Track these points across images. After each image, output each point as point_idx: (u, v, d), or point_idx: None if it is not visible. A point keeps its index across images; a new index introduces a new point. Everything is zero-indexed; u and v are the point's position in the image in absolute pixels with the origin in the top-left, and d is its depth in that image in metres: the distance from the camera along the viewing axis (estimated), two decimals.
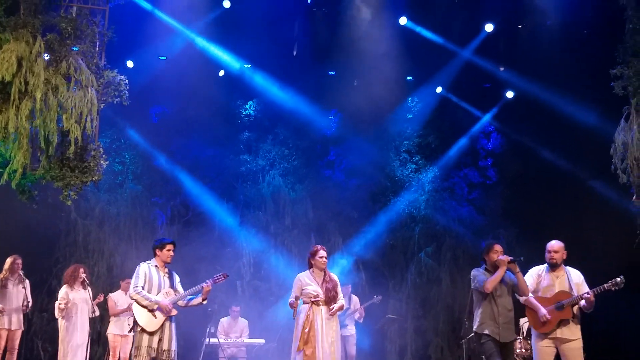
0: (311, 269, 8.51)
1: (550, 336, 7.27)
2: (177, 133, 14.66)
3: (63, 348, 10.11)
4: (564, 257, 7.45)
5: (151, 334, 7.62)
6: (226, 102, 15.19)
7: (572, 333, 7.22)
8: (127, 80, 10.13)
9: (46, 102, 9.32)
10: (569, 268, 7.43)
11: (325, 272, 8.49)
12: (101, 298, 10.71)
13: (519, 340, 10.52)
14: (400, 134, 15.72)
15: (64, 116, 9.39)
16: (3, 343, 10.20)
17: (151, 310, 7.66)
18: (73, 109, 9.42)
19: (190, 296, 7.99)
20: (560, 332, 7.22)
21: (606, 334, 11.95)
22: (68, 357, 10.02)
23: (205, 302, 8.10)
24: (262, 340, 12.21)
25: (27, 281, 10.51)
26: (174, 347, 7.77)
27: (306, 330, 8.19)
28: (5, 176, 9.38)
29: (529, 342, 10.37)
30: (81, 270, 10.44)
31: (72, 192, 9.77)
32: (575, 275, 7.41)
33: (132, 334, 7.79)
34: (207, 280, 7.97)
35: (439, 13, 13.98)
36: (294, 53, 14.52)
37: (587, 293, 7.10)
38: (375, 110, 14.86)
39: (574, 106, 13.82)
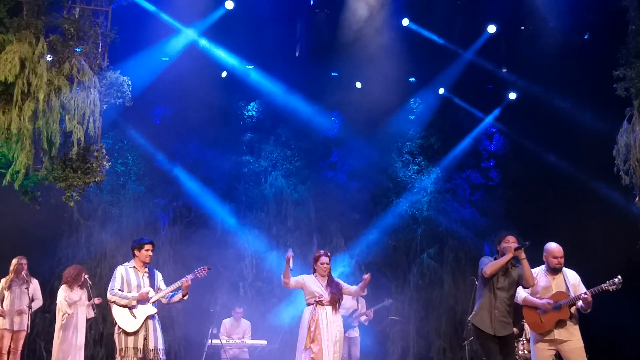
0: (315, 274, 8.61)
1: (547, 338, 7.22)
2: (180, 134, 14.66)
3: (57, 349, 10.13)
4: None
5: (133, 334, 7.60)
6: (228, 103, 15.20)
7: (570, 334, 7.17)
8: (129, 81, 10.14)
9: (49, 103, 9.33)
10: (565, 269, 7.41)
11: (329, 277, 8.57)
12: (97, 301, 10.70)
13: (521, 342, 10.51)
14: (403, 135, 15.72)
15: (66, 117, 9.41)
16: (7, 343, 10.22)
17: (130, 311, 7.65)
18: (76, 110, 9.43)
19: (172, 293, 7.95)
20: (558, 334, 7.18)
21: (607, 335, 11.96)
22: (62, 358, 10.03)
23: (185, 298, 8.04)
24: (265, 342, 12.22)
25: (35, 281, 10.52)
26: (160, 345, 7.76)
27: (312, 328, 8.30)
28: (8, 177, 9.40)
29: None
30: (84, 273, 10.46)
31: (75, 193, 9.78)
32: (572, 276, 7.39)
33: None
34: (186, 276, 7.92)
35: (441, 14, 13.99)
36: (296, 54, 14.54)
37: (585, 293, 7.08)
38: (378, 112, 14.87)
39: (576, 107, 13.84)
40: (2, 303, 10.25)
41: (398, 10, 13.97)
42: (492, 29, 14.20)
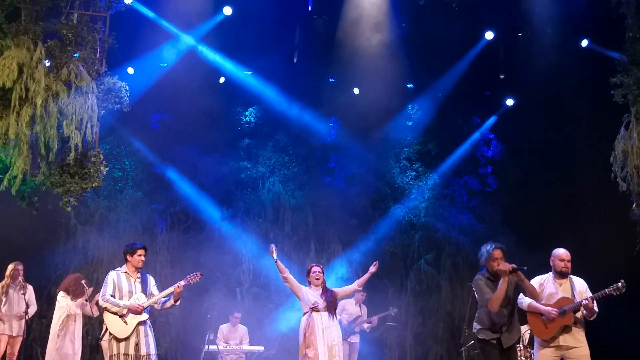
0: (310, 286, 8.68)
1: (552, 344, 7.16)
2: (177, 140, 14.65)
3: (53, 354, 10.10)
4: None
5: (124, 340, 7.57)
6: (226, 109, 15.21)
7: (576, 340, 7.12)
8: (127, 87, 10.13)
9: (47, 109, 9.32)
10: (573, 276, 7.37)
11: (323, 287, 8.68)
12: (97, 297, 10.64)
13: (519, 348, 10.49)
14: (400, 141, 15.74)
15: (64, 122, 9.39)
16: (3, 348, 10.19)
17: (122, 317, 7.62)
18: (73, 115, 9.42)
19: (165, 298, 7.90)
20: (563, 340, 7.12)
21: (607, 341, 11.92)
22: None
23: (177, 304, 8.00)
24: (262, 348, 12.20)
25: (30, 287, 10.50)
26: (152, 351, 7.71)
27: (307, 334, 8.35)
28: (5, 182, 9.38)
29: (529, 350, 10.36)
30: (84, 282, 10.42)
31: (72, 198, 9.76)
32: (579, 284, 7.35)
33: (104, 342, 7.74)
34: (179, 282, 7.88)
35: (438, 20, 14.00)
36: (294, 60, 14.56)
37: (586, 299, 7.06)
38: (375, 118, 14.90)
39: (573, 114, 13.85)
40: None
41: (396, 17, 13.98)
42: (489, 35, 14.23)
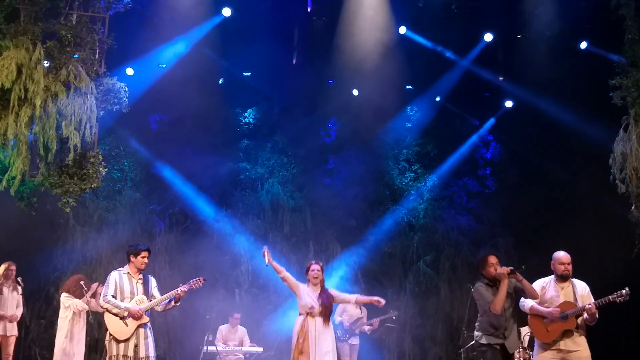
0: (308, 284, 8.61)
1: (553, 348, 7.14)
2: (176, 140, 14.64)
3: (58, 357, 10.10)
4: None
5: (124, 341, 7.57)
6: (225, 110, 15.19)
7: (577, 344, 7.11)
8: (126, 88, 10.13)
9: (45, 109, 9.33)
10: (574, 280, 7.35)
11: (321, 286, 8.55)
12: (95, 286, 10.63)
13: (517, 350, 10.49)
14: (399, 143, 15.74)
15: (63, 123, 9.40)
16: None
17: (122, 318, 7.61)
18: (72, 116, 9.42)
19: (166, 300, 7.89)
20: (564, 344, 7.11)
21: (606, 344, 11.94)
22: None
23: (178, 305, 7.99)
24: (260, 349, 12.20)
25: (20, 288, 10.49)
26: (152, 353, 7.70)
27: (300, 340, 8.30)
28: (4, 183, 9.38)
29: (527, 352, 10.35)
30: (82, 283, 10.42)
31: (71, 199, 9.77)
32: (581, 287, 7.33)
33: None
34: (181, 286, 7.87)
35: (438, 22, 14.02)
36: (294, 61, 14.56)
37: (589, 304, 7.03)
38: (374, 119, 14.91)
39: (572, 116, 13.86)
40: None
41: (395, 18, 13.99)
42: (489, 37, 14.24)
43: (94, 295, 10.16)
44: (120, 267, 8.01)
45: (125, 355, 7.55)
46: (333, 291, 8.73)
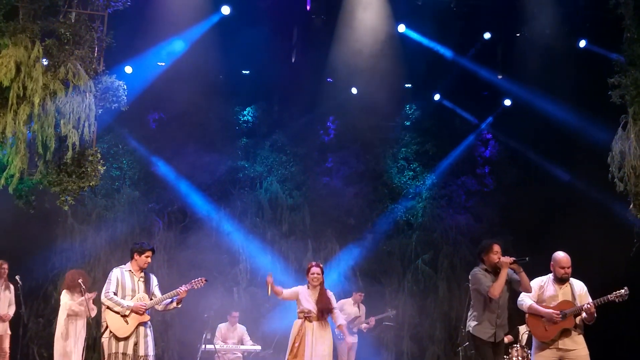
0: (308, 285, 8.62)
1: (552, 347, 7.14)
2: (175, 139, 14.63)
3: (56, 354, 10.11)
4: None
5: (124, 339, 7.56)
6: (224, 109, 15.19)
7: (575, 343, 7.12)
8: (125, 86, 10.13)
9: (44, 107, 9.32)
10: (573, 279, 7.34)
11: (320, 288, 8.55)
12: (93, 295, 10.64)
13: (515, 349, 10.50)
14: (398, 141, 15.75)
15: (61, 121, 9.39)
16: None
17: (123, 316, 7.60)
18: (71, 114, 9.41)
19: (168, 300, 7.88)
20: (563, 343, 7.11)
21: (605, 343, 11.94)
22: None
23: (179, 306, 7.99)
24: (259, 347, 12.19)
25: (12, 286, 10.47)
26: (151, 352, 7.70)
27: (296, 344, 8.37)
28: (2, 181, 9.36)
29: (525, 350, 10.36)
30: (80, 281, 10.42)
31: (69, 197, 9.76)
32: (579, 287, 7.32)
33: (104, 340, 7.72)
34: (184, 285, 7.86)
35: (437, 21, 14.01)
36: (293, 60, 14.56)
37: (588, 304, 7.02)
38: (373, 117, 14.92)
39: (571, 115, 13.87)
40: None
41: (394, 17, 13.99)
42: (487, 35, 14.25)
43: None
44: (118, 265, 8.00)
45: (124, 353, 7.54)
46: (331, 296, 8.69)
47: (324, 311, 8.46)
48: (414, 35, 14.40)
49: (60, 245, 13.48)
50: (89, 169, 9.76)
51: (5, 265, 10.30)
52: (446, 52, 14.61)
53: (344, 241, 14.69)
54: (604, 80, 10.51)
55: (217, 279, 13.78)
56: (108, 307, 7.61)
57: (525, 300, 7.33)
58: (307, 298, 8.52)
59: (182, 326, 13.41)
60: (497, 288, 6.99)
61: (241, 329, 12.40)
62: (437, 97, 15.50)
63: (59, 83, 9.45)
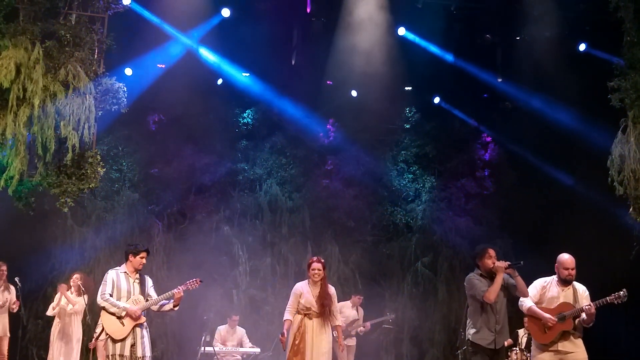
0: (309, 281, 8.51)
1: (551, 349, 7.11)
2: (175, 141, 14.63)
3: (50, 353, 10.12)
4: None
5: (120, 341, 7.56)
6: (224, 111, 15.19)
7: (574, 345, 7.10)
8: (125, 88, 10.13)
9: (44, 109, 9.33)
10: (576, 283, 7.29)
11: (322, 284, 8.45)
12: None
13: (514, 352, 10.49)
14: (398, 144, 15.75)
15: (61, 123, 9.40)
16: None
17: (119, 318, 7.60)
18: (71, 116, 9.43)
19: (163, 301, 7.87)
20: (562, 345, 7.09)
21: (603, 346, 11.95)
22: None
23: (176, 309, 7.96)
24: (258, 349, 12.18)
25: (13, 288, 10.47)
26: (148, 353, 7.68)
27: (297, 342, 8.27)
28: (2, 182, 9.38)
29: (525, 353, 10.35)
30: (75, 276, 10.44)
31: (69, 199, 9.77)
32: (582, 290, 7.28)
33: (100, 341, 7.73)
34: (178, 287, 7.84)
35: (437, 23, 14.02)
36: (293, 62, 14.55)
37: (588, 305, 6.98)
38: (373, 120, 14.93)
39: (571, 118, 13.88)
40: None
41: (394, 20, 14.00)
42: (487, 38, 14.23)
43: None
44: (119, 266, 7.99)
45: (122, 355, 7.53)
46: (333, 294, 8.58)
47: (325, 308, 8.35)
48: (414, 38, 14.41)
49: (60, 247, 13.47)
50: (88, 171, 9.77)
51: (4, 267, 10.28)
52: (446, 55, 14.62)
53: (343, 243, 14.69)
54: (603, 83, 10.52)
55: (217, 281, 13.77)
56: (104, 309, 7.61)
57: (526, 302, 7.30)
58: (307, 294, 8.42)
59: (182, 328, 13.40)
60: (493, 293, 6.95)
61: (241, 331, 12.39)
62: (437, 99, 15.50)
63: (59, 85, 9.47)
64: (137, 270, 7.85)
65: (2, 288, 10.25)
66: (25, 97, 9.21)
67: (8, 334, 10.38)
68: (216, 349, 11.65)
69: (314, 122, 15.32)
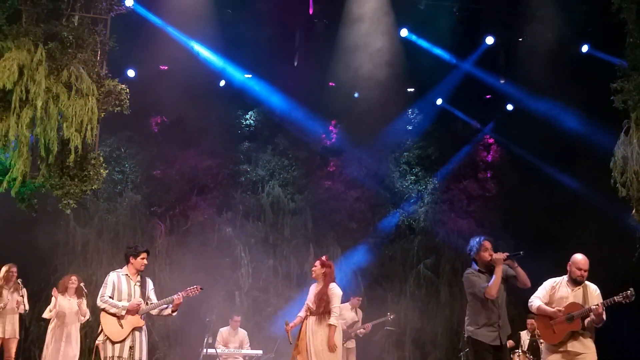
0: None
1: (561, 349, 6.96)
2: (177, 142, 14.65)
3: (44, 353, 10.13)
4: None
5: (119, 342, 7.55)
6: (226, 112, 15.21)
7: (584, 346, 6.95)
8: (127, 90, 10.13)
9: (47, 111, 9.33)
10: (588, 283, 7.17)
11: (323, 284, 8.45)
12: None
13: (517, 354, 10.49)
14: (400, 146, 15.75)
15: (64, 125, 9.40)
16: None
17: (118, 320, 7.60)
18: (73, 117, 9.43)
19: (163, 305, 7.88)
20: (571, 346, 6.94)
21: (608, 349, 11.90)
22: None
23: (174, 314, 7.98)
24: (260, 351, 12.17)
25: (24, 289, 10.48)
26: (144, 357, 7.71)
27: (298, 341, 8.41)
28: (5, 184, 9.37)
29: (527, 356, 10.35)
30: (72, 278, 10.45)
31: (72, 200, 9.77)
32: (593, 288, 7.15)
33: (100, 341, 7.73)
34: (179, 292, 7.83)
35: (439, 25, 14.03)
36: (295, 63, 14.56)
37: (596, 304, 6.85)
38: (375, 122, 14.92)
39: (573, 119, 13.87)
40: None
41: (397, 21, 14.01)
42: (490, 40, 14.24)
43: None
44: (120, 268, 7.98)
45: (120, 357, 7.52)
46: (332, 295, 8.45)
47: (318, 306, 8.34)
48: (417, 39, 14.42)
49: (62, 249, 13.49)
50: (91, 173, 9.77)
51: (14, 269, 10.28)
52: (448, 56, 14.62)
53: (345, 245, 14.69)
54: (606, 85, 10.51)
55: (219, 282, 13.78)
56: (104, 310, 7.61)
57: (535, 301, 7.18)
58: (310, 292, 8.51)
59: (184, 330, 13.40)
60: (494, 288, 6.76)
61: (242, 333, 12.38)
62: (439, 101, 15.50)
63: (61, 86, 9.47)
64: (139, 272, 7.85)
65: (12, 290, 10.25)
66: (28, 98, 9.21)
67: (17, 336, 10.36)
68: (218, 350, 11.64)
69: (316, 124, 15.32)
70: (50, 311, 10.38)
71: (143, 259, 7.81)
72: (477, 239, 7.14)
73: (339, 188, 15.23)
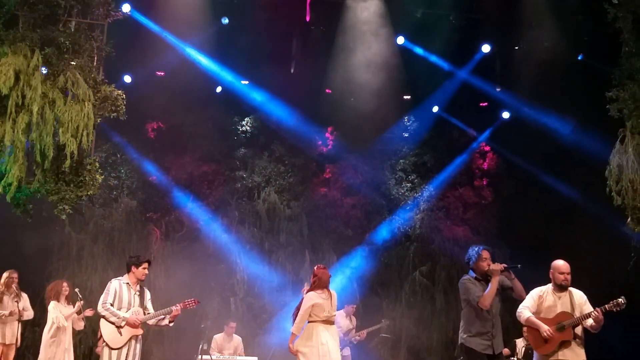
0: None
1: (552, 359, 7.03)
2: (173, 148, 14.66)
3: (40, 358, 10.11)
4: None
5: (117, 349, 7.57)
6: (223, 119, 15.22)
7: (576, 355, 6.98)
8: (124, 95, 10.13)
9: (43, 116, 9.32)
10: (572, 289, 7.20)
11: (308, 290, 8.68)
12: (89, 313, 10.63)
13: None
14: (396, 153, 15.76)
15: (60, 130, 9.38)
16: None
17: (118, 327, 7.62)
18: (69, 123, 9.41)
19: (161, 316, 7.92)
20: (562, 355, 6.96)
21: (600, 357, 11.91)
22: None
23: (171, 325, 8.04)
24: (255, 358, 12.13)
25: (25, 295, 10.45)
26: None
27: None
28: (0, 189, 9.35)
29: None
30: (64, 285, 10.43)
31: (67, 206, 9.75)
32: (579, 296, 7.17)
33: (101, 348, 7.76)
34: (177, 304, 7.91)
35: (436, 33, 14.06)
36: (292, 70, 14.57)
37: (595, 310, 6.85)
38: (371, 129, 14.93)
39: (569, 128, 13.90)
40: None
41: (393, 29, 14.04)
42: (486, 48, 14.28)
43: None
44: (115, 274, 8.02)
45: None
46: (304, 299, 8.60)
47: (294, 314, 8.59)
48: (413, 47, 14.44)
49: (57, 254, 13.47)
50: (87, 178, 9.76)
51: (15, 275, 10.26)
52: (445, 64, 14.65)
53: (341, 252, 14.69)
54: (602, 93, 10.52)
55: (214, 289, 13.77)
56: (104, 317, 7.63)
57: (524, 312, 7.18)
58: None
59: (178, 336, 13.37)
60: (488, 298, 6.79)
61: (237, 339, 12.35)
62: (435, 109, 15.53)
63: (58, 92, 9.46)
64: (139, 282, 7.90)
65: (13, 296, 10.22)
66: (24, 103, 9.20)
67: (16, 342, 10.33)
68: (213, 357, 11.61)
69: (313, 131, 15.33)
70: (54, 323, 10.30)
71: (145, 268, 7.90)
72: (476, 249, 7.17)
73: (335, 195, 15.23)
